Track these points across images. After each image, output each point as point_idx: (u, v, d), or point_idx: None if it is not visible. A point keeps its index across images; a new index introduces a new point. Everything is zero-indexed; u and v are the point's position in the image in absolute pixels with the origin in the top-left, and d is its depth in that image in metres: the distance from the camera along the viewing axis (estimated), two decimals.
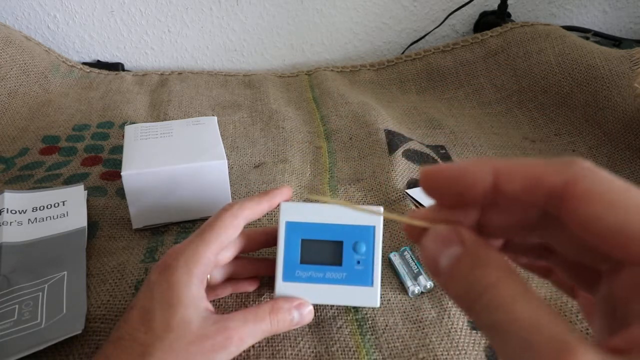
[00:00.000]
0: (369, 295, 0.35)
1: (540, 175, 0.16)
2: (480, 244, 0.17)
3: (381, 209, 0.35)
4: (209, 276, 0.36)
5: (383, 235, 0.36)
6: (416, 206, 0.50)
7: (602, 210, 0.15)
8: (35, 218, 0.46)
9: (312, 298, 0.35)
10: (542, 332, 0.14)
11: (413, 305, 0.39)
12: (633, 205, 0.14)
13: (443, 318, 0.37)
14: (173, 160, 0.44)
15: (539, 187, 0.16)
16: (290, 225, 0.35)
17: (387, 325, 0.37)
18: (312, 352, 0.35)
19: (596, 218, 0.15)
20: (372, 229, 0.35)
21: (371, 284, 0.35)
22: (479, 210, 0.18)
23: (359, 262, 0.35)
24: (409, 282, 0.40)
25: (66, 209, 0.47)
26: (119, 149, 0.60)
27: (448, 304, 0.38)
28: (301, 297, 0.35)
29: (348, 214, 0.35)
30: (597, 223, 0.15)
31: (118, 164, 0.57)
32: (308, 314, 0.34)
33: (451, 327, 0.37)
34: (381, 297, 0.39)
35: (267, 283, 0.40)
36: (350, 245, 0.35)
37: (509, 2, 0.85)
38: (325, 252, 0.35)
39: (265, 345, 0.35)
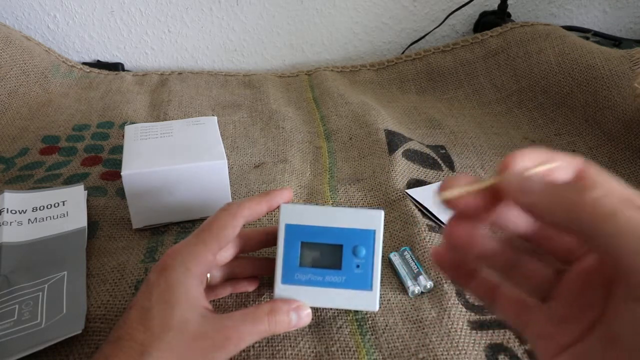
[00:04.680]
0: (368, 299, 0.35)
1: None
2: None
3: (382, 211, 0.35)
4: (208, 276, 0.36)
5: (383, 236, 0.36)
6: (416, 206, 0.49)
7: None
8: (35, 218, 0.46)
9: (311, 301, 0.35)
10: None
11: (413, 305, 0.39)
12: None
13: (443, 318, 0.37)
14: (173, 160, 0.44)
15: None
16: (289, 228, 0.35)
17: (387, 325, 0.37)
18: (312, 352, 0.35)
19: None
20: (372, 232, 0.35)
21: (370, 287, 0.35)
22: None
23: (358, 266, 0.35)
24: (409, 282, 0.40)
25: (66, 209, 0.47)
26: (119, 149, 0.60)
27: (448, 303, 0.38)
28: (300, 300, 0.35)
29: (348, 218, 0.35)
30: None
31: (118, 164, 0.57)
32: (306, 316, 0.34)
33: (451, 327, 0.37)
34: (381, 297, 0.39)
35: (267, 283, 0.40)
36: (350, 248, 0.35)
37: (509, 2, 0.85)
38: (325, 256, 0.35)
39: (265, 345, 0.35)
